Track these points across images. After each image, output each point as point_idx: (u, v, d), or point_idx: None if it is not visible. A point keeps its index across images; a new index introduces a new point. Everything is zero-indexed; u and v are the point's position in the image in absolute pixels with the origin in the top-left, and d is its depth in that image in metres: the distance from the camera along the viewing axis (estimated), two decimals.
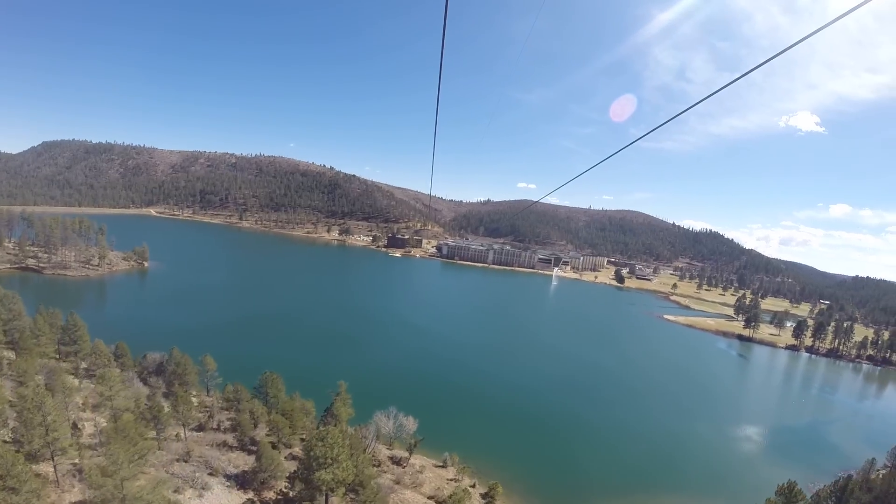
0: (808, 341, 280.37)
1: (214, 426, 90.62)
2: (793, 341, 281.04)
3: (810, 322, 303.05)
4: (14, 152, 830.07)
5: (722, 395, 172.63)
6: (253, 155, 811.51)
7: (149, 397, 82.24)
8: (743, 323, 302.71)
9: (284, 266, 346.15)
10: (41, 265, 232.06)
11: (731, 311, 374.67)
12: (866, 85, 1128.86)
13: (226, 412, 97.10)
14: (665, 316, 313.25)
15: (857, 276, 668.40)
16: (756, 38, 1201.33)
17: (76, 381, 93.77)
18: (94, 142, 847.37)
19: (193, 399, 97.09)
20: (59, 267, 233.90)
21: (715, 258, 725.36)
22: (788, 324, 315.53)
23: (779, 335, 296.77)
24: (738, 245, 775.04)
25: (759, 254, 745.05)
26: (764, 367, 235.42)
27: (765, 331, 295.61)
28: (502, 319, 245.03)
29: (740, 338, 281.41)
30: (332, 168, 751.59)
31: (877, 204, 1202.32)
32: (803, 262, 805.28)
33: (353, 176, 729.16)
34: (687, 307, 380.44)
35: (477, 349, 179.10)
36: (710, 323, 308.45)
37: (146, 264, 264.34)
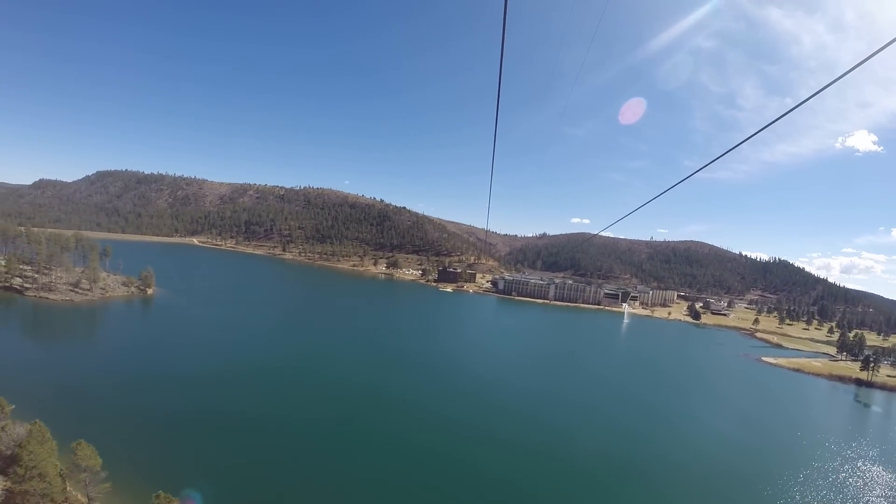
0: None
1: None
2: None
3: None
4: (69, 180, 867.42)
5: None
6: (301, 187, 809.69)
7: None
8: (859, 364, 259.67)
9: (316, 300, 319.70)
10: (26, 286, 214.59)
11: (827, 349, 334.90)
12: None
13: None
14: (764, 358, 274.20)
15: None
16: (804, 60, 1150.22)
17: None
18: (146, 172, 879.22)
19: None
20: (45, 289, 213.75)
21: (788, 289, 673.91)
22: None
23: None
24: (810, 274, 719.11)
25: (833, 283, 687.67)
26: None
27: (882, 372, 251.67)
28: (579, 373, 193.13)
29: (858, 382, 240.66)
30: (381, 200, 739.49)
31: None
32: (868, 291, 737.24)
33: (404, 208, 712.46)
34: (778, 345, 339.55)
35: (552, 418, 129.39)
36: (817, 365, 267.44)
37: (149, 291, 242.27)
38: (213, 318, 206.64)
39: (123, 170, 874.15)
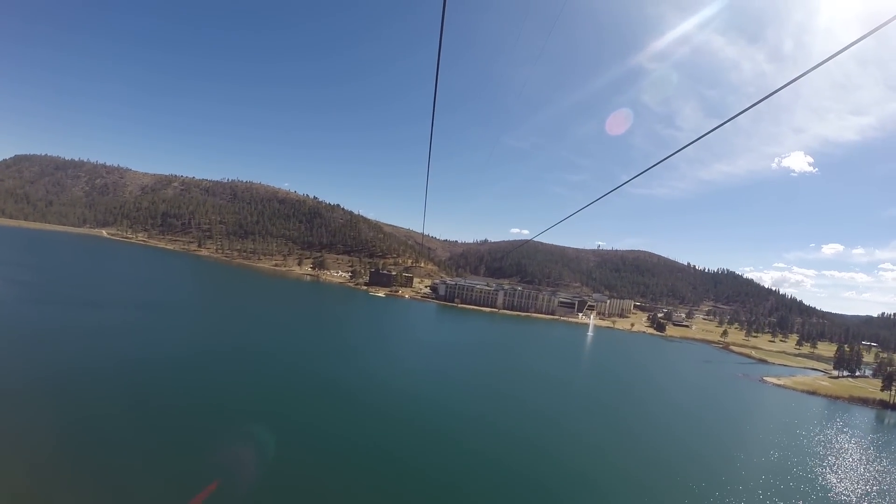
0: None
1: None
2: None
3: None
4: None
5: None
6: (228, 180, 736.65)
7: None
8: (869, 382, 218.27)
9: (210, 307, 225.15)
10: None
11: (812, 363, 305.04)
12: (851, 127, 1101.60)
13: None
14: (766, 379, 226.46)
15: (883, 313, 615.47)
16: (743, 85, 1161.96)
17: None
18: (66, 158, 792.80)
19: None
20: None
21: (740, 300, 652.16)
22: None
23: None
24: (760, 286, 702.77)
25: (784, 295, 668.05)
26: None
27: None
28: (572, 403, 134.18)
29: (883, 405, 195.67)
30: (315, 198, 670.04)
31: (868, 242, 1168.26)
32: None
33: (337, 206, 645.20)
34: (762, 361, 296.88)
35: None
36: (828, 386, 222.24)
37: None
38: (39, 322, 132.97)
39: (43, 154, 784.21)
